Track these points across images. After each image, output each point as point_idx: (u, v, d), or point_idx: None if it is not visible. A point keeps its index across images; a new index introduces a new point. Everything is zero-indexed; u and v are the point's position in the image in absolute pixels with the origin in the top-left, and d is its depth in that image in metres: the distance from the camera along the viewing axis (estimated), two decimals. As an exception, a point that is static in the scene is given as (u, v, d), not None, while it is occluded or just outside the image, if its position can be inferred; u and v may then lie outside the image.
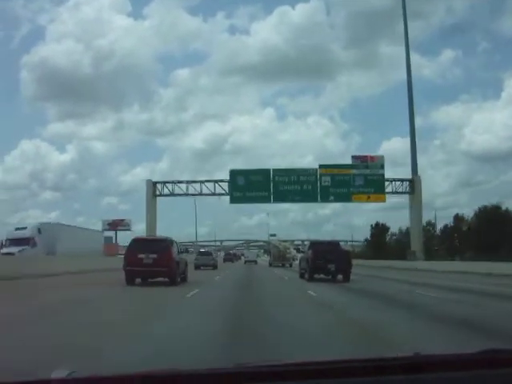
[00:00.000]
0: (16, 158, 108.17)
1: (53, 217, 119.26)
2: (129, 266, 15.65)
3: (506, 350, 1.51)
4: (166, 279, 15.61)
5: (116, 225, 78.84)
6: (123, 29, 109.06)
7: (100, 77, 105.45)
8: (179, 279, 16.39)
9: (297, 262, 34.34)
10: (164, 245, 16.43)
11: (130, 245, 16.89)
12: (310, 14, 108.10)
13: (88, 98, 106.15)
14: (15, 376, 1.38)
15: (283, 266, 44.52)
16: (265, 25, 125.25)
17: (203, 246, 74.05)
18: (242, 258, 63.19)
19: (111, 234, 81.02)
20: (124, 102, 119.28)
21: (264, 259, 68.39)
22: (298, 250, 25.36)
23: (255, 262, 53.99)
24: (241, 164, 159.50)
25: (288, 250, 48.02)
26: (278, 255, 46.89)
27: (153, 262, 15.40)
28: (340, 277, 20.19)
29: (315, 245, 21.29)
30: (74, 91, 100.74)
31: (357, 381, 1.34)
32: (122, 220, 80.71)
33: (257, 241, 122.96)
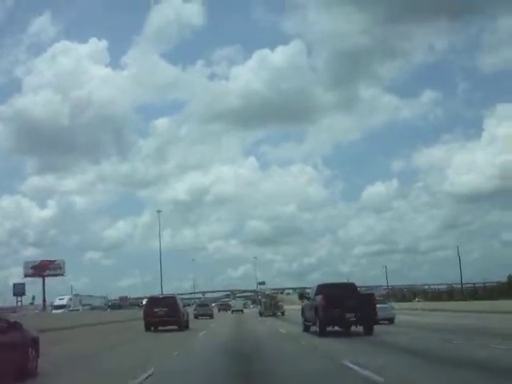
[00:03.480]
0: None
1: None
2: (147, 317, 26.20)
3: None
4: (175, 326, 25.81)
5: (43, 268, 75.37)
6: (101, 79, 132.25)
7: (78, 128, 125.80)
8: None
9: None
10: (172, 301, 27.09)
11: (147, 302, 28.85)
12: (290, 57, 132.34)
13: (66, 150, 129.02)
14: None
15: (274, 315, 48.87)
16: (244, 69, 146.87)
17: (183, 300, 73.37)
18: None
19: (36, 281, 78.18)
20: (103, 153, 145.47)
21: (253, 310, 75.37)
22: (302, 296, 25.07)
23: (242, 311, 69.17)
24: (224, 215, 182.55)
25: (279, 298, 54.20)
26: (270, 304, 51.54)
27: (165, 314, 25.66)
28: (355, 329, 20.19)
29: (326, 288, 21.09)
30: (51, 143, 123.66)
31: None
32: (52, 261, 77.56)
33: (244, 291, 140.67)
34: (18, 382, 8.96)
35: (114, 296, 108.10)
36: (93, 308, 67.00)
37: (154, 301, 27.55)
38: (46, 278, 77.24)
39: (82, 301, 73.75)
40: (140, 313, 41.57)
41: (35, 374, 9.89)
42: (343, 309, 18.89)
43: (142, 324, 27.87)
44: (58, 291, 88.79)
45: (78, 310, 62.39)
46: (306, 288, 50.11)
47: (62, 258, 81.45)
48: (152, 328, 26.00)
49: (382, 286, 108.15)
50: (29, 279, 78.81)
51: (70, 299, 71.45)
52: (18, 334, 9.75)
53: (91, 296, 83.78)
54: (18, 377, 9.13)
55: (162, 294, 50.92)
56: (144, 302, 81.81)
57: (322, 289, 21.05)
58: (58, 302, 71.59)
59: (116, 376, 9.83)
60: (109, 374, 10.15)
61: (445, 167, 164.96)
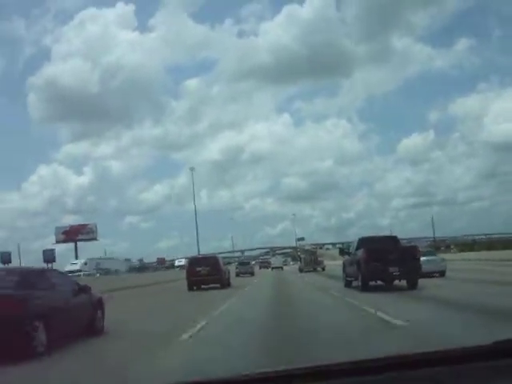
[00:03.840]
0: (33, 184, 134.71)
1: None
2: (190, 277, 27.83)
3: None
4: (217, 285, 27.38)
5: (75, 233, 76.01)
6: (130, 43, 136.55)
7: (110, 94, 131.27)
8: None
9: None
10: (214, 260, 29.33)
11: (189, 262, 30.86)
12: (320, 10, 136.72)
13: (99, 116, 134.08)
14: None
15: (315, 270, 50.78)
16: (273, 25, 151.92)
17: (223, 259, 74.51)
18: None
19: (68, 246, 79.21)
20: (136, 117, 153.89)
21: (293, 267, 76.45)
22: (342, 251, 25.19)
23: (281, 268, 71.06)
24: (260, 174, 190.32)
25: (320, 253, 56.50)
26: (310, 259, 53.36)
27: (207, 273, 27.50)
28: (398, 283, 20.18)
29: (368, 242, 21.13)
30: (83, 110, 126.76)
31: (371, 379, 1.83)
32: (84, 225, 78.53)
33: (283, 247, 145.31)
34: (89, 338, 10.16)
35: (152, 258, 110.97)
36: (106, 273, 63.97)
37: (195, 260, 30.20)
38: (80, 243, 78.31)
39: (99, 264, 71.57)
40: (171, 274, 42.70)
41: (102, 331, 11.17)
42: (386, 262, 18.86)
43: (171, 286, 28.72)
44: (92, 256, 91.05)
45: (94, 274, 58.37)
46: (344, 243, 50.27)
47: (96, 222, 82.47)
48: (195, 287, 27.33)
49: (425, 237, 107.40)
50: (63, 245, 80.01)
51: (85, 263, 69.34)
52: (87, 296, 11.21)
53: (112, 259, 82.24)
54: (88, 334, 10.40)
55: (200, 253, 52.57)
56: (176, 263, 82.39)
57: (364, 242, 21.13)
58: (69, 267, 66.86)
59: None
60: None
61: (482, 116, 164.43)
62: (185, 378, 1.95)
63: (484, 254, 53.56)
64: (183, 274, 29.72)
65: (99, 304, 11.64)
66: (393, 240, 22.10)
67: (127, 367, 7.14)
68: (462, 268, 34.15)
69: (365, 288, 19.24)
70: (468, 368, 1.85)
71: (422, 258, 24.40)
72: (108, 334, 11.05)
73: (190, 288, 27.40)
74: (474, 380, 1.81)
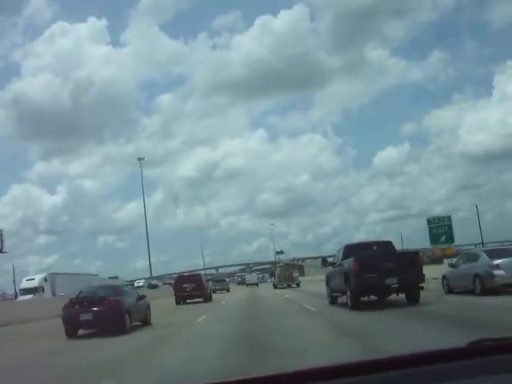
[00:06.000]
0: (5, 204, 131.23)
1: (50, 261, 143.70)
2: (177, 293, 35.57)
3: (491, 339, 2.32)
4: (201, 299, 34.86)
5: None
6: (102, 58, 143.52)
7: (81, 110, 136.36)
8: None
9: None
10: (198, 277, 38.27)
11: (176, 279, 40.20)
12: (294, 22, 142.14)
13: (70, 133, 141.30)
14: None
15: (289, 286, 54.22)
16: (246, 37, 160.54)
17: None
18: None
19: None
20: (108, 134, 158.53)
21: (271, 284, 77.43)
22: (325, 262, 23.86)
23: (256, 284, 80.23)
24: (236, 190, 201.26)
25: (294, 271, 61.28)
26: (284, 275, 58.20)
27: (192, 289, 35.04)
28: (394, 297, 18.85)
29: (357, 249, 19.48)
30: (55, 127, 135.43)
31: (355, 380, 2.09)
32: None
33: (260, 263, 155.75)
34: (144, 326, 18.70)
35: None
36: None
37: (182, 278, 37.91)
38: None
39: None
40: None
41: (150, 323, 19.52)
42: (382, 273, 17.20)
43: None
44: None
45: None
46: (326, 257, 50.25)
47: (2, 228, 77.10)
48: (181, 302, 34.69)
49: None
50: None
51: None
52: (144, 301, 19.67)
53: None
54: (143, 324, 18.94)
55: (152, 275, 51.70)
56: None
57: (352, 250, 19.40)
58: None
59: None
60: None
61: (456, 128, 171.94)
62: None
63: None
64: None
65: (148, 307, 20.01)
66: (387, 246, 20.50)
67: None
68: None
69: (355, 306, 17.60)
70: (448, 368, 2.11)
71: (503, 260, 19.44)
72: (155, 324, 19.49)
73: (178, 302, 34.59)
74: (458, 376, 2.06)
